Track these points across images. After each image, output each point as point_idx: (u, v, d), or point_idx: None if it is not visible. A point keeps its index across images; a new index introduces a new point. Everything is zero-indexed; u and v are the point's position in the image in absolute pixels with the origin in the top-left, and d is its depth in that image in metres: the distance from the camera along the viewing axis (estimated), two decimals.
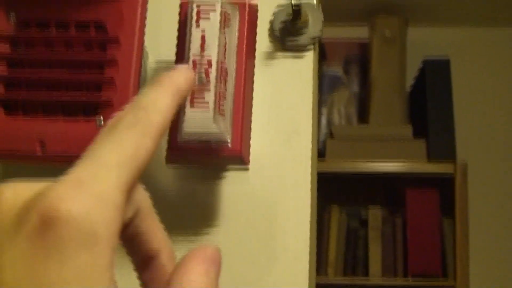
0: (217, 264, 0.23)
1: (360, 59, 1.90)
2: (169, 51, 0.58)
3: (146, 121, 0.23)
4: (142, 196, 0.26)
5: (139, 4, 0.51)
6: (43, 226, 0.18)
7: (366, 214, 1.76)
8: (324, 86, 1.89)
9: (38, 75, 0.51)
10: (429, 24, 1.93)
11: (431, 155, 1.68)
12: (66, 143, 0.49)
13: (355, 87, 1.89)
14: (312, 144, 0.57)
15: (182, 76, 0.28)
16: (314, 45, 0.59)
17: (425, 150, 1.69)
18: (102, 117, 0.49)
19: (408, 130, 1.70)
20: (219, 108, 0.47)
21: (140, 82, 0.50)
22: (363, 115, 1.85)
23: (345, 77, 1.90)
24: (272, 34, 0.59)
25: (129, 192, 0.22)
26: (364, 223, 1.78)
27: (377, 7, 1.79)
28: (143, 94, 0.25)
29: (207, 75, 0.47)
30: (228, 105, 0.49)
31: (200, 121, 0.47)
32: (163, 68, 0.59)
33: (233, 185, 0.57)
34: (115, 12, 0.50)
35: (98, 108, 0.49)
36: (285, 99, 0.58)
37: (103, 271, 0.19)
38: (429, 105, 1.71)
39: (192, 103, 0.47)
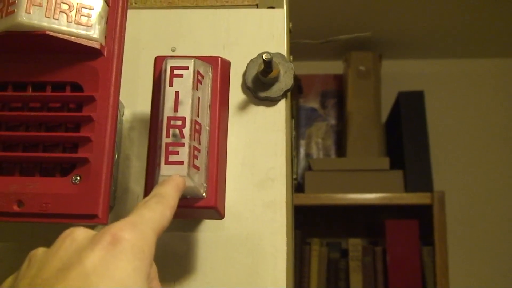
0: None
1: (336, 93, 1.93)
2: (145, 103, 0.60)
3: (165, 202, 0.38)
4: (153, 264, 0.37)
5: (114, 63, 0.52)
6: (113, 241, 0.30)
7: (346, 245, 1.77)
8: (302, 120, 1.91)
9: (14, 135, 0.52)
10: (402, 57, 1.98)
11: (408, 186, 1.70)
12: (43, 202, 0.49)
13: (332, 120, 1.92)
14: (287, 190, 0.59)
15: (179, 179, 0.44)
16: (285, 96, 0.61)
17: (402, 181, 1.71)
18: (78, 175, 0.50)
19: (385, 162, 1.73)
20: (193, 162, 0.49)
21: (116, 138, 0.51)
22: (340, 148, 1.88)
23: (322, 110, 1.92)
24: (245, 86, 0.61)
25: (156, 240, 0.34)
26: (344, 254, 1.78)
27: (352, 43, 1.83)
28: (158, 188, 0.41)
29: (181, 132, 0.49)
30: (202, 159, 0.50)
31: (174, 175, 0.48)
32: (139, 121, 0.61)
33: (208, 232, 0.58)
34: (90, 72, 0.52)
35: (74, 166, 0.50)
36: (259, 148, 0.60)
37: (146, 277, 0.30)
38: (404, 137, 1.74)
39: (166, 158, 0.48)
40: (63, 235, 0.33)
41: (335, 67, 1.93)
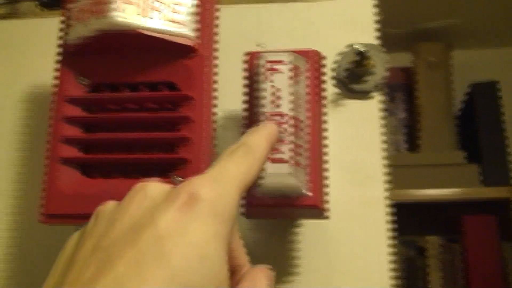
0: (272, 282, 0.32)
1: (404, 86, 1.87)
2: (236, 102, 0.58)
3: (253, 154, 0.33)
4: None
5: (209, 61, 0.51)
6: (189, 201, 0.26)
7: (422, 243, 1.72)
8: None
9: (113, 137, 0.51)
10: (473, 47, 1.91)
11: (485, 180, 1.64)
12: None
13: (401, 114, 1.87)
14: (384, 187, 0.56)
15: (273, 127, 0.39)
16: (380, 88, 0.58)
17: (478, 175, 1.65)
18: (177, 176, 0.49)
19: (460, 156, 1.67)
20: (296, 160, 0.47)
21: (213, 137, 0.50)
22: (412, 142, 1.82)
23: (391, 104, 1.88)
24: (335, 79, 0.59)
25: (241, 198, 0.30)
26: (420, 252, 1.73)
27: (419, 33, 1.77)
28: (248, 137, 0.35)
29: (284, 128, 0.47)
30: (304, 156, 0.48)
31: (278, 175, 0.46)
32: (231, 120, 0.59)
33: (308, 233, 0.56)
34: (185, 71, 0.51)
35: (173, 167, 0.49)
36: (355, 143, 0.57)
37: (226, 242, 0.27)
38: (479, 129, 1.67)
39: (270, 157, 0.47)
40: (135, 189, 0.30)
41: (401, 59, 1.88)
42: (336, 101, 0.58)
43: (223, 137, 0.59)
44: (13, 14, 0.74)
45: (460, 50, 1.86)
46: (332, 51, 0.60)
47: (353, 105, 0.58)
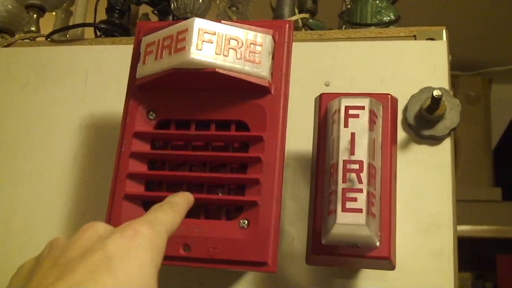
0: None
1: None
2: (299, 141, 0.57)
3: (177, 209, 0.39)
4: None
5: (281, 102, 0.50)
6: (133, 234, 0.33)
7: None
8: None
9: (178, 175, 0.50)
10: None
11: None
12: (211, 246, 0.47)
13: None
14: (454, 238, 0.54)
15: (190, 195, 0.43)
16: (450, 134, 0.56)
17: None
18: (246, 219, 0.47)
19: (496, 193, 1.64)
20: (370, 210, 0.45)
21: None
22: None
23: None
24: (406, 123, 0.57)
25: (167, 240, 0.36)
26: None
27: (458, 66, 1.75)
28: (171, 198, 0.41)
29: (359, 176, 0.46)
30: (377, 205, 0.47)
31: (351, 223, 0.45)
32: (292, 158, 0.58)
33: (369, 281, 0.54)
34: (257, 111, 0.49)
35: (241, 209, 0.48)
36: (423, 190, 0.55)
37: (158, 270, 0.33)
38: None
39: (344, 205, 0.45)
40: (84, 228, 0.35)
41: None
42: (405, 145, 0.56)
43: (284, 176, 0.58)
44: (71, 40, 0.74)
45: (500, 85, 1.83)
46: (404, 95, 0.58)
47: (422, 150, 0.56)
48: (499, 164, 1.76)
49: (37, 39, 0.78)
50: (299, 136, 0.58)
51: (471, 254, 1.79)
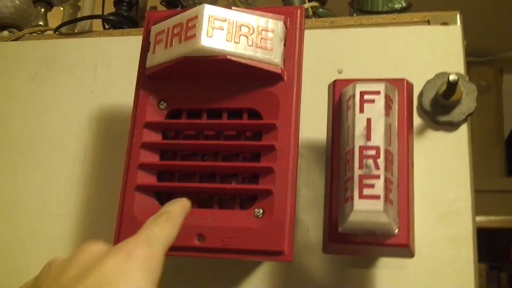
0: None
1: None
2: (312, 128, 0.56)
3: (174, 220, 0.39)
4: None
5: (294, 89, 0.49)
6: (128, 255, 0.33)
7: None
8: None
9: (190, 165, 0.49)
10: None
11: None
12: (226, 236, 0.46)
13: None
14: (473, 225, 0.53)
15: (187, 201, 0.42)
16: (467, 120, 0.55)
17: None
18: (261, 208, 0.46)
19: (510, 183, 1.62)
20: (388, 196, 0.44)
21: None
22: None
23: None
24: (421, 109, 0.56)
25: (164, 257, 0.36)
26: None
27: (470, 58, 1.73)
28: (167, 207, 0.41)
29: (375, 162, 0.45)
30: (394, 192, 0.46)
31: (369, 210, 0.44)
32: (306, 147, 0.57)
33: (387, 270, 0.53)
34: (270, 98, 0.48)
35: (255, 198, 0.47)
36: (439, 177, 0.54)
37: (156, 279, 0.34)
38: None
39: (361, 192, 0.44)
40: (80, 248, 0.36)
41: None
42: (420, 131, 0.55)
43: (298, 165, 0.57)
44: (79, 33, 0.73)
45: (511, 75, 1.81)
46: (419, 80, 0.57)
47: (438, 136, 0.55)
48: (511, 154, 1.74)
49: (45, 33, 0.77)
50: (311, 125, 0.57)
51: (485, 245, 1.78)
